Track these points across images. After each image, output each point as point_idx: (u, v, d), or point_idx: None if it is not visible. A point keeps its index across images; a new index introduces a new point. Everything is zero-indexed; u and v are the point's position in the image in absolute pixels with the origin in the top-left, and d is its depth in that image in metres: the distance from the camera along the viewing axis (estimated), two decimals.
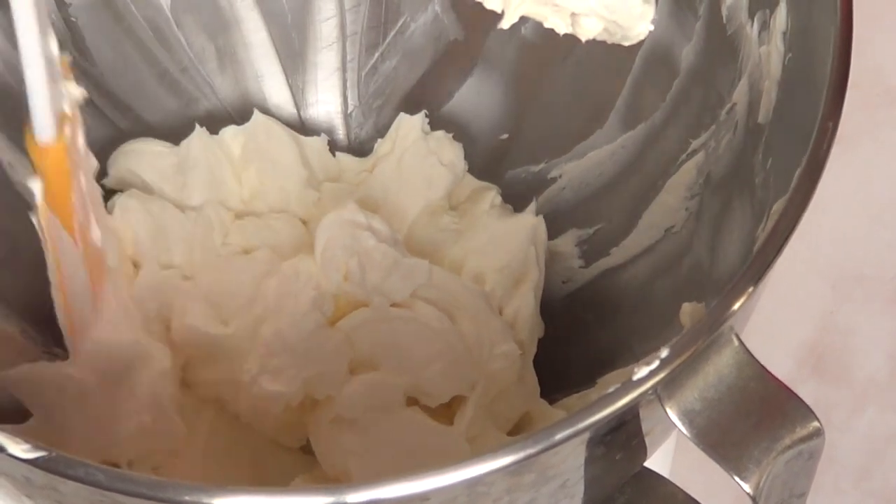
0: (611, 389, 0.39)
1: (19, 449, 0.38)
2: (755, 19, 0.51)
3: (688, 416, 0.40)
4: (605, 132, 0.60)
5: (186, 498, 0.37)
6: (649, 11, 0.54)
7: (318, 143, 0.64)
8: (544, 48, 0.62)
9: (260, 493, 0.38)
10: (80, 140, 0.49)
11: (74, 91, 0.48)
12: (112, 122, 0.63)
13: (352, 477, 0.53)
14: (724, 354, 0.41)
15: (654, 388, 0.39)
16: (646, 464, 0.48)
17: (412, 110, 0.64)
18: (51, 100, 0.46)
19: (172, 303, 0.57)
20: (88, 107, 0.62)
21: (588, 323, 0.60)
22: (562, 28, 0.52)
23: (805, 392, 0.42)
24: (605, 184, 0.61)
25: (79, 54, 0.62)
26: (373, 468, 0.53)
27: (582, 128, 0.61)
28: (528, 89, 0.63)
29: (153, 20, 0.63)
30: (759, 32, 0.51)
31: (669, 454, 0.60)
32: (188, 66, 0.64)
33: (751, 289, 0.41)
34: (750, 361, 0.41)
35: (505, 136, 0.64)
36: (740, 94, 0.52)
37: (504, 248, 0.60)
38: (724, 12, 0.53)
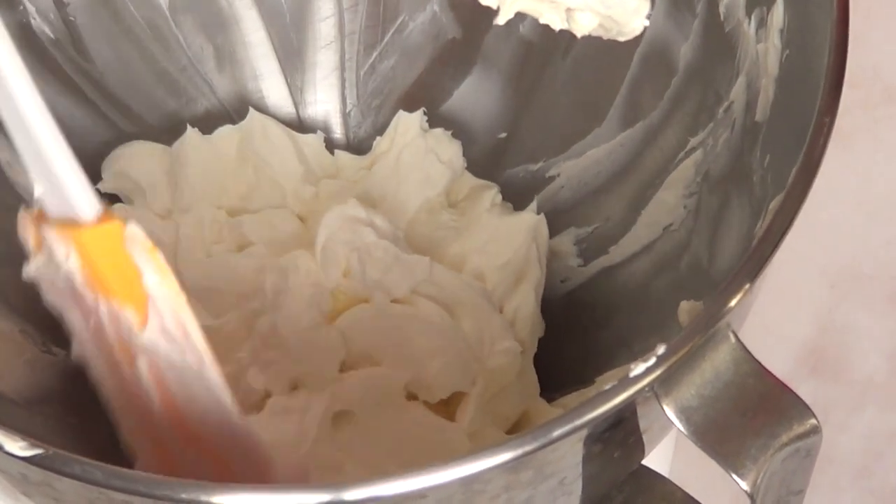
0: (608, 386, 0.39)
1: (16, 446, 0.38)
2: (752, 17, 0.51)
3: (685, 414, 0.40)
4: (604, 131, 0.61)
5: (183, 496, 0.37)
6: (644, 6, 0.54)
7: (314, 141, 0.64)
8: (542, 47, 0.62)
9: (258, 491, 0.38)
10: None
11: None
12: (111, 123, 0.63)
13: (346, 470, 0.53)
14: (721, 351, 0.41)
15: (651, 385, 0.39)
16: (644, 462, 0.48)
17: (411, 109, 0.64)
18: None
19: None
20: (87, 106, 0.62)
21: (586, 321, 0.60)
22: (557, 24, 0.52)
23: (804, 391, 0.42)
24: (603, 182, 0.61)
25: (77, 54, 0.62)
26: (370, 463, 0.53)
27: (580, 126, 0.61)
28: (527, 88, 0.63)
29: (152, 19, 0.63)
30: (757, 30, 0.51)
31: (668, 452, 0.60)
32: (187, 66, 0.64)
33: (747, 285, 0.41)
34: (747, 358, 0.41)
35: (503, 134, 0.64)
36: (738, 91, 0.52)
37: (505, 245, 0.60)
38: (722, 10, 0.53)
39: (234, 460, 0.43)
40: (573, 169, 0.62)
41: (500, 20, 0.52)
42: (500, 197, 0.63)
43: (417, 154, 0.62)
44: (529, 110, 0.63)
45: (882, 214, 0.73)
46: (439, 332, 0.56)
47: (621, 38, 0.56)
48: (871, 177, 0.73)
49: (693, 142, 0.56)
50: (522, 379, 0.58)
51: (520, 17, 0.59)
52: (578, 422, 0.39)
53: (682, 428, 0.40)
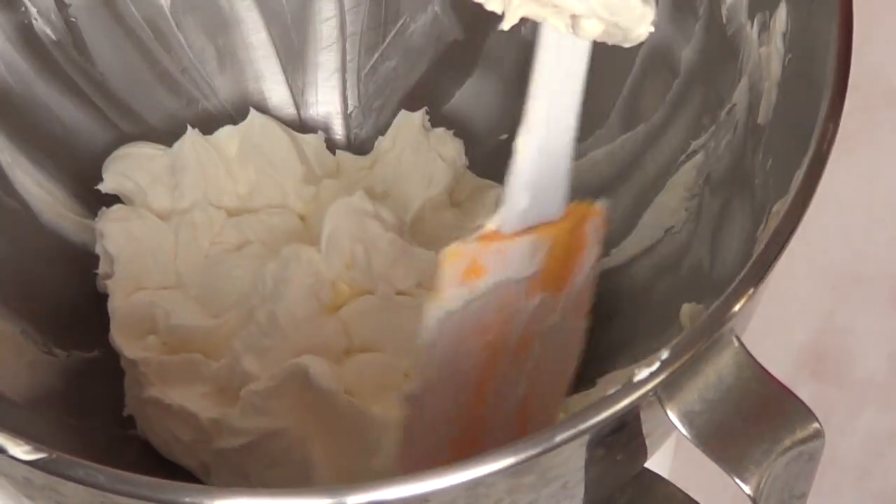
0: (611, 391, 0.39)
1: (20, 450, 0.38)
2: (755, 20, 0.51)
3: (688, 418, 0.40)
4: (605, 133, 0.60)
5: (187, 499, 0.37)
6: (649, 13, 0.53)
7: (314, 140, 0.64)
8: None
9: (260, 495, 0.38)
10: None
11: None
12: (113, 124, 0.63)
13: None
14: (725, 356, 0.41)
15: (654, 389, 0.39)
16: (646, 465, 0.48)
17: (412, 110, 0.64)
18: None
19: (153, 314, 0.58)
20: (89, 107, 0.62)
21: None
22: (562, 30, 0.52)
23: (804, 393, 0.42)
24: (604, 185, 0.60)
25: (79, 55, 0.62)
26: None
27: (582, 128, 0.61)
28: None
29: (153, 21, 0.63)
30: (759, 33, 0.51)
31: (670, 455, 0.60)
32: (188, 67, 0.64)
33: (751, 291, 0.41)
34: (750, 363, 0.41)
35: (505, 136, 0.64)
36: (740, 94, 0.52)
37: None
38: (724, 13, 0.53)
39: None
40: (574, 171, 0.62)
41: (505, 25, 0.52)
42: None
43: (419, 153, 0.63)
44: None
45: (883, 217, 0.73)
46: None
47: (626, 45, 0.55)
48: (871, 179, 0.73)
49: (695, 144, 0.56)
50: None
51: (522, 20, 0.59)
52: (582, 426, 0.39)
53: (685, 432, 0.40)
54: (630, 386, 0.39)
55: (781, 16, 0.50)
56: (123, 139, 0.63)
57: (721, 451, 0.40)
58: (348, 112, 0.66)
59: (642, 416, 0.41)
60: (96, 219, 0.61)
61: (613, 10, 0.48)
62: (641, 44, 0.57)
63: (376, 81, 0.66)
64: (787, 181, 0.44)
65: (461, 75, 0.65)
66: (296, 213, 0.62)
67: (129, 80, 0.63)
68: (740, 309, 0.40)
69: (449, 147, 0.63)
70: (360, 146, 0.66)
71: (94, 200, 0.61)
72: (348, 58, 0.65)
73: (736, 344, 0.41)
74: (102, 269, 0.60)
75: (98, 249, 0.60)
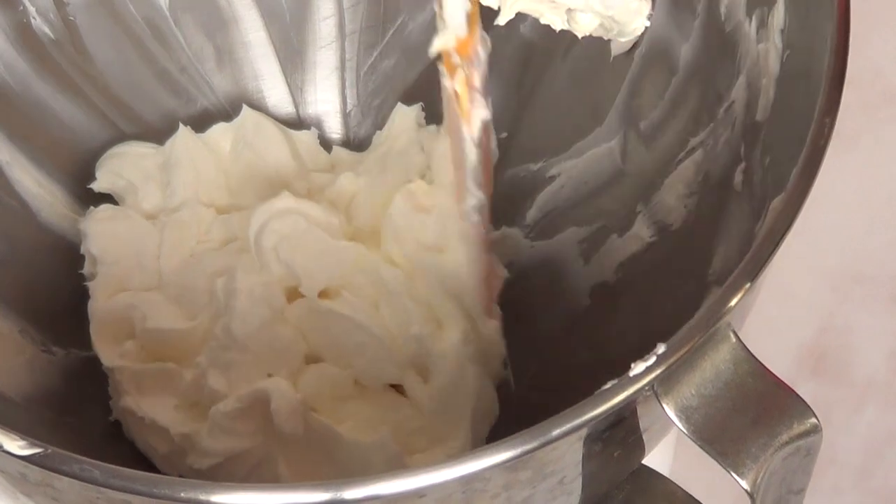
0: (607, 385, 0.39)
1: (15, 445, 0.38)
2: (753, 17, 0.51)
3: (685, 413, 0.40)
4: (604, 130, 0.60)
5: (182, 494, 0.37)
6: (645, 7, 0.54)
7: (308, 137, 0.64)
8: (543, 47, 0.62)
9: (257, 490, 0.38)
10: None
11: None
12: (112, 123, 0.63)
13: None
14: (722, 351, 0.41)
15: (650, 384, 0.39)
16: (645, 461, 0.48)
17: None
18: None
19: (131, 316, 0.58)
20: (87, 106, 0.62)
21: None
22: (558, 24, 0.52)
23: (805, 391, 0.42)
24: (603, 182, 0.60)
25: (77, 54, 0.62)
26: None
27: (581, 126, 0.61)
28: (527, 88, 0.63)
29: (151, 19, 0.63)
30: (757, 30, 0.51)
31: (669, 451, 0.60)
32: (187, 66, 0.64)
33: (748, 285, 0.41)
34: (747, 358, 0.41)
35: (504, 134, 0.64)
36: (738, 91, 0.52)
37: None
38: (722, 10, 0.53)
39: None
40: (574, 169, 0.62)
41: (501, 20, 0.52)
42: None
43: (404, 147, 0.62)
44: (530, 110, 0.63)
45: (883, 215, 0.73)
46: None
47: (622, 39, 0.56)
48: (871, 178, 0.73)
49: (693, 142, 0.56)
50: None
51: (520, 17, 0.59)
52: (578, 421, 0.39)
53: (682, 427, 0.40)
54: (626, 380, 0.39)
55: (779, 13, 0.50)
56: (122, 138, 0.63)
57: (718, 446, 0.40)
58: (347, 111, 0.66)
59: (639, 410, 0.41)
60: (81, 219, 0.61)
61: (608, 5, 0.48)
62: (640, 41, 0.58)
63: (375, 80, 0.66)
64: (785, 178, 0.44)
65: None
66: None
67: (127, 78, 0.63)
68: (737, 303, 0.40)
69: (439, 143, 0.63)
70: (358, 145, 0.66)
71: (93, 199, 0.61)
72: (347, 56, 0.65)
73: (733, 339, 0.41)
74: (87, 269, 0.59)
75: (82, 250, 0.60)
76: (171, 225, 0.60)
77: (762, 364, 0.41)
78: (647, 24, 0.54)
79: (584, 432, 0.39)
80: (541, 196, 0.63)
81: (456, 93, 0.51)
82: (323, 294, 0.58)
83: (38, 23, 0.60)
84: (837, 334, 0.70)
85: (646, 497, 0.49)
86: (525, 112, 0.63)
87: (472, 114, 0.52)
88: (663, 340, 0.40)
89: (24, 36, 0.60)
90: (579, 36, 0.56)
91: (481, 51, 0.51)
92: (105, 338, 0.58)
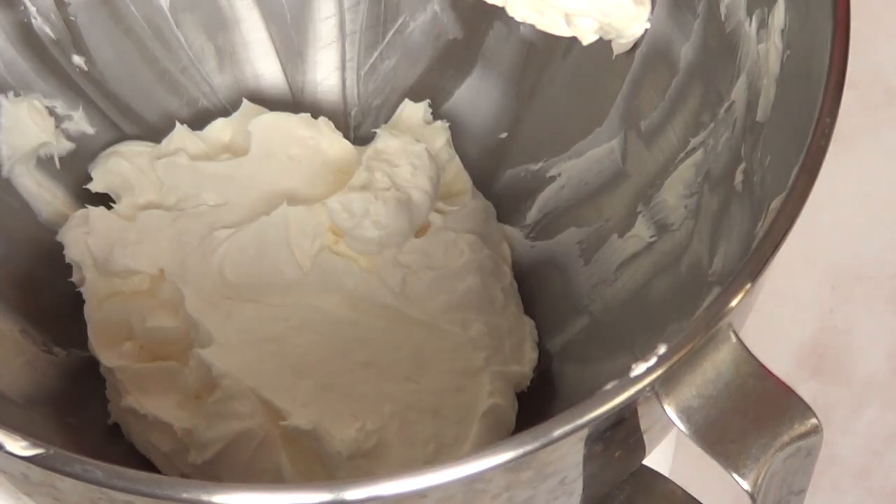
0: (609, 386, 0.39)
1: (17, 446, 0.38)
2: (753, 17, 0.51)
3: (686, 413, 0.40)
4: (605, 131, 0.60)
5: (184, 495, 0.37)
6: (644, 13, 0.54)
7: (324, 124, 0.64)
8: (543, 47, 0.62)
9: (258, 490, 0.38)
10: None
11: None
12: (113, 123, 0.63)
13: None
14: (722, 351, 0.41)
15: (651, 384, 0.39)
16: (646, 462, 0.48)
17: None
18: None
19: (129, 318, 0.58)
20: (88, 106, 0.62)
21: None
22: (560, 26, 0.52)
23: (805, 391, 0.42)
24: (604, 182, 0.61)
25: (78, 54, 0.62)
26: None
27: (581, 126, 0.61)
28: (528, 88, 0.63)
29: (152, 19, 0.63)
30: (758, 30, 0.51)
31: (670, 452, 0.60)
32: (187, 66, 0.64)
33: (748, 285, 0.41)
34: (748, 358, 0.41)
35: (504, 134, 0.64)
36: (739, 91, 0.52)
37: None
38: (723, 10, 0.53)
39: None
40: (574, 169, 0.62)
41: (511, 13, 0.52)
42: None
43: (411, 144, 0.62)
44: (530, 110, 0.63)
45: (883, 215, 0.73)
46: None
47: (622, 41, 0.56)
48: (872, 178, 0.73)
49: (694, 142, 0.56)
50: None
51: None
52: (579, 421, 0.39)
53: (682, 428, 0.40)
54: (627, 381, 0.39)
55: (779, 12, 0.50)
56: (122, 138, 0.63)
57: (719, 447, 0.40)
58: (348, 111, 0.66)
59: (640, 411, 0.41)
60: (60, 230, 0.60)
61: (606, 11, 0.48)
62: (640, 41, 0.58)
63: (376, 80, 0.66)
64: (785, 178, 0.44)
65: (461, 74, 0.65)
66: (284, 198, 0.61)
67: (128, 79, 0.63)
68: (737, 304, 0.40)
69: (438, 139, 0.63)
70: (359, 145, 0.66)
71: (93, 200, 0.61)
72: (348, 56, 0.65)
73: (734, 339, 0.41)
74: (75, 276, 0.59)
75: (67, 259, 0.60)
76: (170, 219, 0.60)
77: (763, 365, 0.41)
78: (647, 26, 0.54)
79: (585, 433, 0.39)
80: (541, 196, 0.63)
81: None
82: None
83: (38, 23, 0.60)
84: (837, 334, 0.70)
85: (646, 497, 0.49)
86: (525, 112, 0.63)
87: None
88: (664, 341, 0.40)
89: (25, 36, 0.60)
90: (584, 42, 0.56)
91: None
92: (103, 340, 0.58)
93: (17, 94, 0.60)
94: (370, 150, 0.60)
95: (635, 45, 0.58)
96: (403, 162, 0.60)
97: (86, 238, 0.59)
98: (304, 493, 0.38)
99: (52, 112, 0.61)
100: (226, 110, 0.65)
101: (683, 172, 0.56)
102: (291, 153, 0.62)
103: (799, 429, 0.40)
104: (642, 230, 0.58)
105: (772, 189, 0.47)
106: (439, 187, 0.61)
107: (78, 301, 0.59)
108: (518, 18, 0.55)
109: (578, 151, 0.61)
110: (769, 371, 0.41)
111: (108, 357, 0.57)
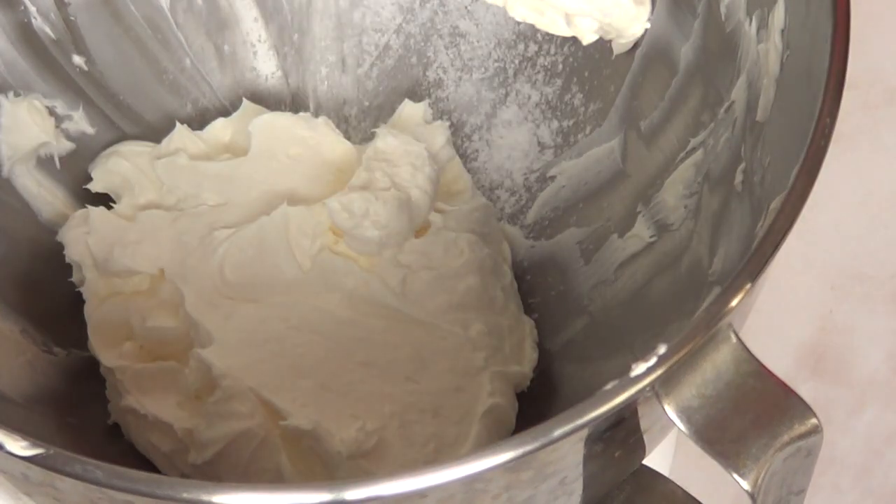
0: (609, 386, 0.39)
1: (17, 446, 0.38)
2: (753, 17, 0.51)
3: (686, 413, 0.40)
4: (604, 130, 0.60)
5: (185, 495, 0.37)
6: (644, 13, 0.54)
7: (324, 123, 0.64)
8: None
9: (258, 491, 0.38)
10: None
11: None
12: (113, 123, 0.63)
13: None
14: (722, 351, 0.41)
15: (651, 384, 0.39)
16: (646, 462, 0.48)
17: None
18: None
19: (129, 318, 0.58)
20: (88, 107, 0.62)
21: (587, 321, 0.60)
22: (560, 26, 0.52)
23: (805, 391, 0.42)
24: (603, 182, 0.61)
25: (78, 54, 0.62)
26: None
27: (581, 126, 0.61)
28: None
29: (152, 19, 0.63)
30: (758, 30, 0.51)
31: (669, 452, 0.60)
32: (187, 66, 0.64)
33: (748, 285, 0.41)
34: (748, 358, 0.41)
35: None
36: (739, 91, 0.52)
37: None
38: (723, 10, 0.53)
39: None
40: (574, 169, 0.62)
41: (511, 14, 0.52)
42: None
43: (410, 143, 0.62)
44: None
45: (883, 215, 0.73)
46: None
47: (622, 41, 0.56)
48: (871, 178, 0.73)
49: (694, 142, 0.56)
50: None
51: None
52: (579, 421, 0.39)
53: (682, 428, 0.40)
54: (627, 381, 0.39)
55: (779, 13, 0.50)
56: (122, 138, 0.63)
57: (719, 447, 0.40)
58: (347, 111, 0.66)
59: (640, 411, 0.41)
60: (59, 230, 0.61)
61: (606, 11, 0.48)
62: (640, 41, 0.58)
63: (375, 81, 0.66)
64: (785, 178, 0.44)
65: (461, 73, 0.65)
66: (284, 198, 0.61)
67: (128, 78, 0.63)
68: (738, 304, 0.40)
69: (438, 137, 0.63)
70: (359, 145, 0.66)
71: (93, 200, 0.61)
72: (347, 56, 0.65)
73: (734, 339, 0.41)
74: (75, 277, 0.59)
75: (67, 259, 0.60)
76: (170, 219, 0.60)
77: (763, 365, 0.41)
78: (647, 26, 0.54)
79: (585, 433, 0.39)
80: (541, 196, 0.63)
81: None
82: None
83: (38, 23, 0.60)
84: (837, 334, 0.70)
85: (646, 497, 0.49)
86: None
87: None
88: (664, 341, 0.40)
89: (25, 36, 0.60)
90: (584, 43, 0.56)
91: None
92: (103, 340, 0.58)
93: (17, 94, 0.60)
94: (370, 150, 0.60)
95: (635, 45, 0.58)
96: (403, 162, 0.60)
97: (86, 238, 0.59)
98: (304, 493, 0.38)
99: (52, 112, 0.61)
100: (226, 110, 0.65)
101: (683, 172, 0.56)
102: (291, 153, 0.62)
103: (799, 429, 0.40)
104: (642, 230, 0.58)
105: (772, 189, 0.47)
106: (439, 187, 0.61)
107: (78, 301, 0.59)
108: (518, 18, 0.55)
109: (578, 151, 0.61)
110: (769, 371, 0.41)
111: (108, 357, 0.57)
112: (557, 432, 0.38)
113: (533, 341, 0.59)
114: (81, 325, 0.58)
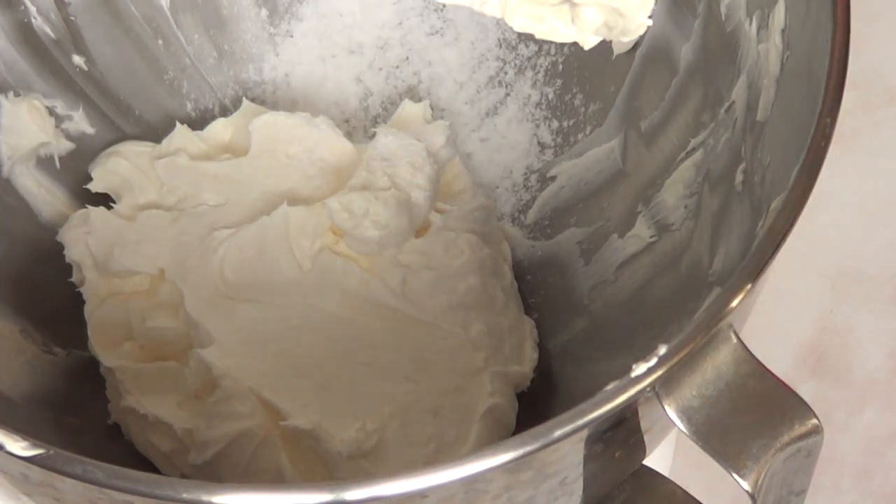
0: (609, 386, 0.39)
1: (17, 446, 0.38)
2: (753, 17, 0.51)
3: (686, 414, 0.40)
4: (604, 130, 0.61)
5: (185, 495, 0.37)
6: (650, 0, 0.53)
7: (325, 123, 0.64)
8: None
9: (258, 491, 0.38)
10: None
11: None
12: (113, 123, 0.63)
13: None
14: (723, 352, 0.41)
15: (652, 385, 0.39)
16: (646, 462, 0.48)
17: None
18: None
19: (129, 318, 0.58)
20: (88, 106, 0.62)
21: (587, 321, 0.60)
22: (561, 28, 0.52)
23: (805, 391, 0.42)
24: (604, 182, 0.61)
25: (78, 54, 0.62)
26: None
27: (582, 126, 0.61)
28: None
29: (152, 19, 0.63)
30: (758, 30, 0.51)
31: (669, 452, 0.60)
32: (188, 66, 0.64)
33: (748, 286, 0.41)
34: (748, 359, 0.41)
35: None
36: (739, 91, 0.52)
37: None
38: (723, 10, 0.53)
39: None
40: (574, 169, 0.62)
41: (510, 23, 0.52)
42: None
43: (411, 142, 0.62)
44: None
45: (883, 215, 0.73)
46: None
47: (625, 39, 0.55)
48: (872, 178, 0.73)
49: (694, 142, 0.56)
50: None
51: None
52: (580, 422, 0.39)
53: (683, 428, 0.40)
54: (628, 381, 0.39)
55: (780, 13, 0.50)
56: (122, 138, 0.63)
57: (719, 447, 0.40)
58: (347, 112, 0.66)
59: (640, 411, 0.41)
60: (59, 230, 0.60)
61: None
62: (640, 41, 0.58)
63: (375, 81, 0.66)
64: (786, 178, 0.44)
65: (461, 73, 0.65)
66: (284, 198, 0.61)
67: (128, 78, 0.63)
68: (738, 304, 0.40)
69: (439, 137, 0.63)
70: (359, 145, 0.66)
71: (93, 199, 0.61)
72: (348, 56, 0.65)
73: (734, 340, 0.41)
74: (75, 277, 0.59)
75: (67, 259, 0.60)
76: (170, 219, 0.60)
77: (763, 365, 0.41)
78: (650, 23, 0.54)
79: (585, 433, 0.39)
80: (541, 196, 0.63)
81: None
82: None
83: (38, 23, 0.60)
84: (837, 334, 0.70)
85: (646, 497, 0.49)
86: None
87: None
88: (664, 341, 0.40)
89: (25, 36, 0.60)
90: (585, 48, 0.56)
91: None
92: (103, 340, 0.58)
93: (17, 94, 0.60)
94: (370, 149, 0.60)
95: (635, 46, 0.58)
96: (403, 161, 0.60)
97: (86, 238, 0.59)
98: (304, 493, 0.38)
99: (52, 112, 0.61)
100: (226, 110, 0.65)
101: (683, 172, 0.56)
102: (291, 153, 0.62)
103: (799, 429, 0.40)
104: (642, 230, 0.58)
105: (772, 189, 0.47)
106: (439, 187, 0.61)
107: (78, 301, 0.59)
108: (517, 28, 0.55)
109: (578, 151, 0.61)
110: (769, 371, 0.41)
111: (108, 357, 0.57)
112: (558, 433, 0.38)
113: (533, 341, 0.59)
114: (81, 325, 0.58)
